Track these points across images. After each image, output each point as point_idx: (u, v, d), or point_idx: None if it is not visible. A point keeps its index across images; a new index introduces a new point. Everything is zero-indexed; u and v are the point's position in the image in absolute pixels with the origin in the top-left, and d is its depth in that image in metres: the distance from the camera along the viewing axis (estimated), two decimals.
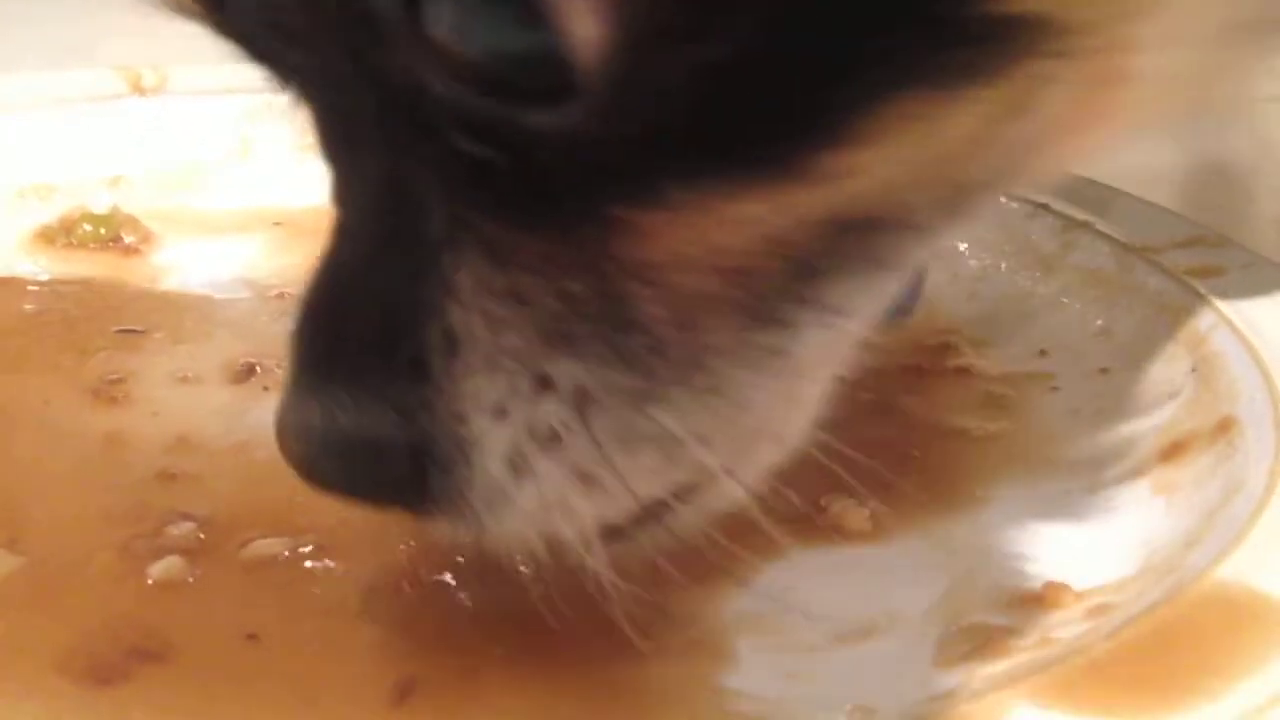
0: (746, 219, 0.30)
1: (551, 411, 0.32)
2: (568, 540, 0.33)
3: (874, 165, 0.29)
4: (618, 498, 0.33)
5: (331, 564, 0.45)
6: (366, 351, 0.33)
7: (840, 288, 0.33)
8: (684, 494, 0.35)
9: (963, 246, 0.68)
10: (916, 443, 0.54)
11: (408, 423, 0.32)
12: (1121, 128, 0.36)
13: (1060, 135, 0.33)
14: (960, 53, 0.29)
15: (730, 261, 0.31)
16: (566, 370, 0.32)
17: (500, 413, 0.32)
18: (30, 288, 0.63)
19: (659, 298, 0.31)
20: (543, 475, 0.33)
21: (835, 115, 0.29)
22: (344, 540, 0.45)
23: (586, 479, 0.33)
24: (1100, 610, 0.41)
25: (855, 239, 0.32)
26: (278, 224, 0.73)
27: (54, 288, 0.63)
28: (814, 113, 0.29)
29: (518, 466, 0.32)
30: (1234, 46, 0.34)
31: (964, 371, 0.60)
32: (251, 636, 0.41)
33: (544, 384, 0.32)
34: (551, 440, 0.32)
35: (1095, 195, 0.67)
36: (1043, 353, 0.61)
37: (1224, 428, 0.49)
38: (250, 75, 0.84)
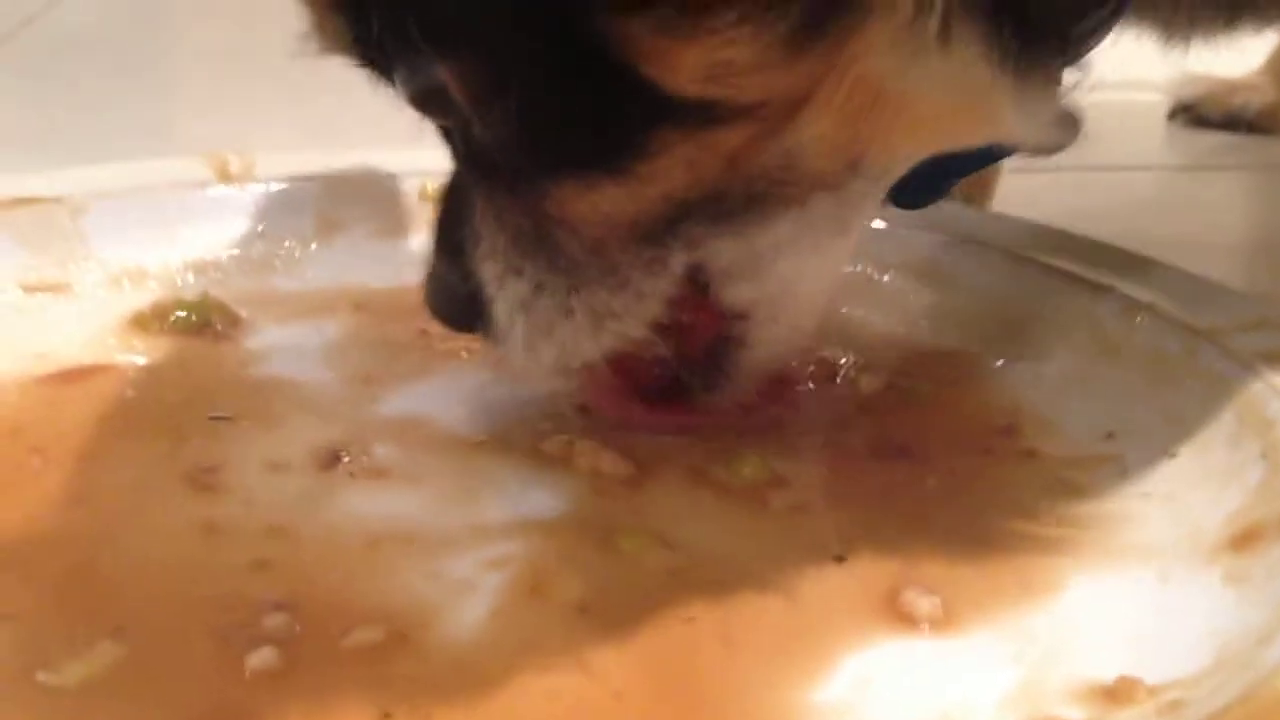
0: (613, 200, 0.48)
1: (523, 289, 0.52)
2: (546, 362, 0.54)
3: (668, 170, 0.47)
4: (565, 345, 0.53)
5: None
6: (448, 242, 0.55)
7: (697, 234, 0.50)
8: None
9: (1027, 327, 0.69)
10: (987, 528, 0.55)
11: (466, 281, 0.53)
12: (903, 143, 0.50)
13: (837, 146, 0.48)
14: (685, 110, 0.45)
15: (613, 221, 0.49)
16: (529, 268, 0.51)
17: (499, 287, 0.52)
18: (133, 374, 0.66)
19: (572, 237, 0.50)
20: (520, 325, 0.53)
21: (628, 141, 0.46)
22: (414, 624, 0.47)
23: (548, 327, 0.52)
24: (1173, 707, 0.42)
25: (692, 209, 0.49)
26: (359, 307, 0.75)
27: (152, 374, 0.66)
28: (614, 140, 0.47)
29: (513, 314, 0.53)
30: (976, 83, 0.47)
31: (1032, 454, 0.61)
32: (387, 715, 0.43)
33: (518, 272, 0.52)
34: (525, 307, 0.52)
35: (1160, 276, 0.67)
36: (1110, 435, 0.61)
37: None
38: (330, 159, 0.87)
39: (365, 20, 0.47)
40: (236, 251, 0.79)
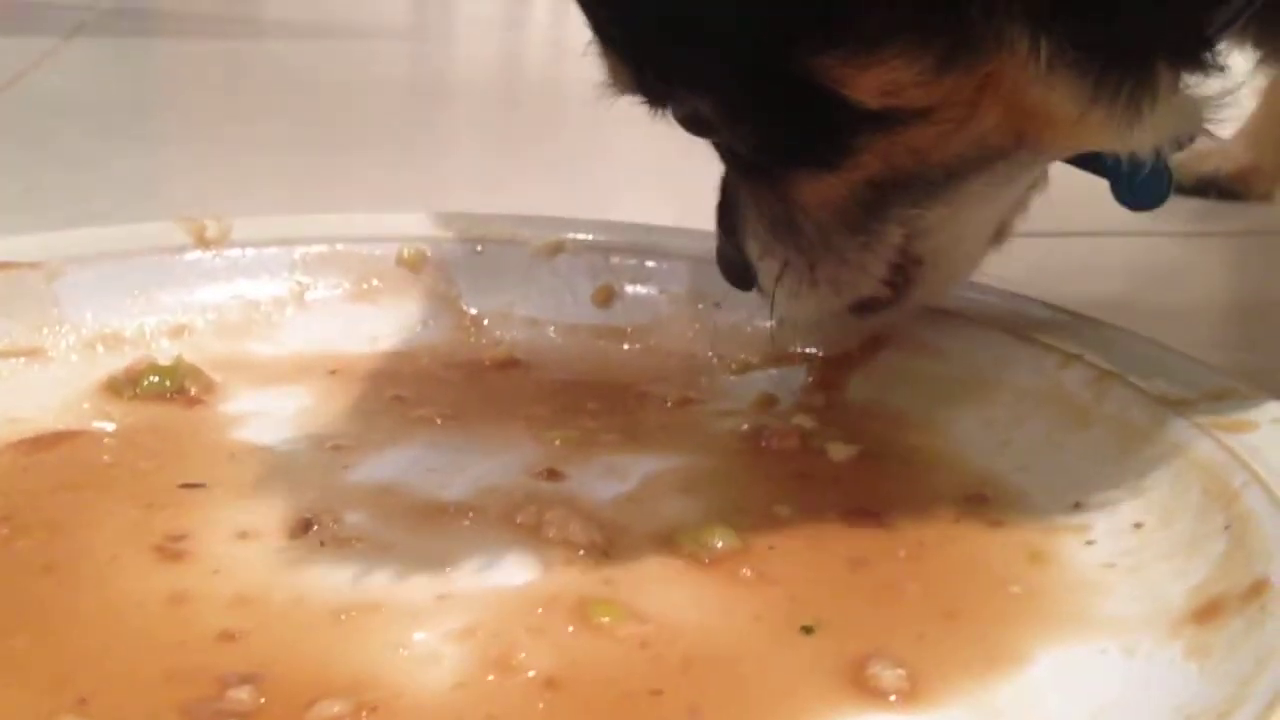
0: (832, 185, 0.62)
1: (776, 268, 0.67)
2: (799, 318, 0.71)
3: (870, 162, 0.61)
4: (814, 306, 0.68)
5: None
6: (727, 224, 0.70)
7: (898, 213, 0.64)
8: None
9: (996, 395, 0.70)
10: (954, 599, 0.55)
11: (740, 254, 0.68)
12: (1047, 142, 0.62)
13: (1001, 141, 0.61)
14: (876, 119, 0.58)
15: (834, 202, 0.63)
16: (779, 250, 0.66)
17: (760, 256, 0.67)
18: (106, 440, 0.66)
19: (808, 216, 0.64)
20: (778, 295, 0.67)
21: (839, 143, 0.60)
22: (381, 697, 0.47)
23: (797, 294, 0.67)
24: None
25: (889, 191, 0.62)
26: (333, 371, 0.76)
27: (125, 440, 0.66)
28: (829, 143, 0.60)
29: (775, 280, 0.67)
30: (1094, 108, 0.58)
31: (1000, 524, 0.61)
32: None
33: (772, 254, 0.67)
34: (779, 281, 0.67)
35: (1127, 345, 0.68)
36: (1077, 505, 0.62)
37: (1257, 591, 0.50)
38: (307, 224, 0.88)
39: (644, 70, 0.62)
40: (212, 316, 0.79)
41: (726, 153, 0.67)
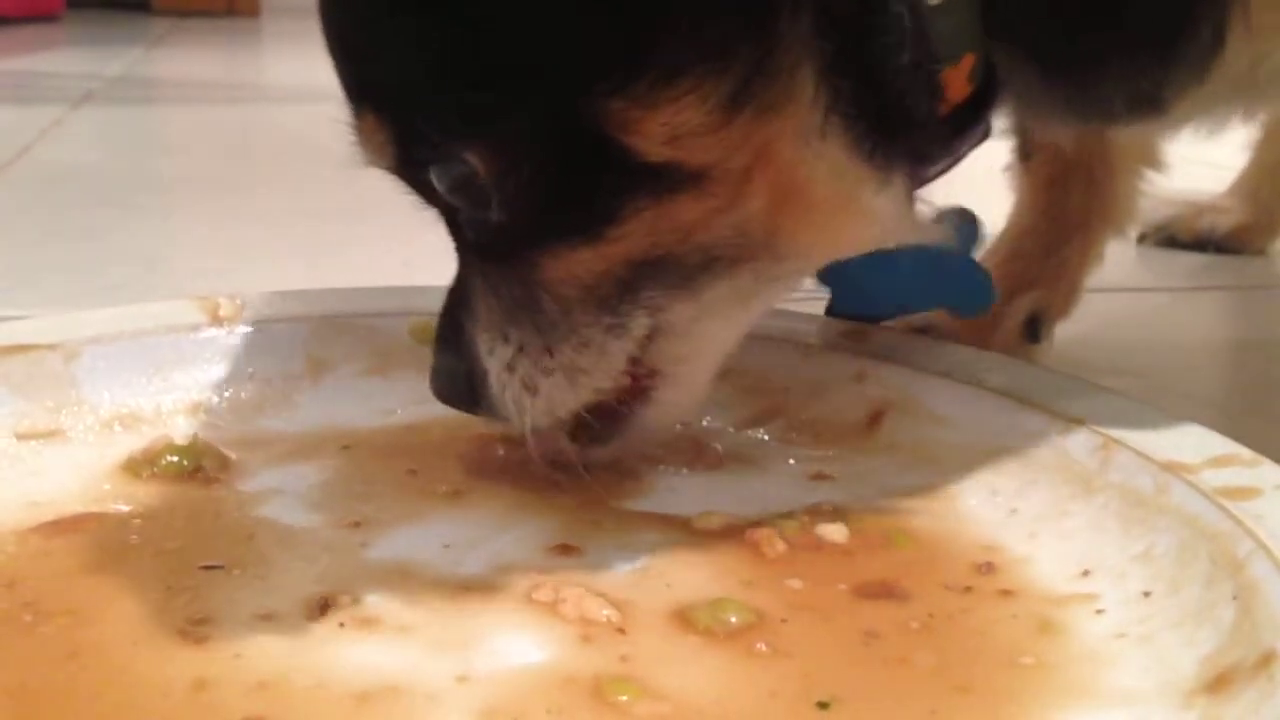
0: (586, 261, 0.60)
1: (509, 354, 0.63)
2: (534, 422, 0.64)
3: (632, 233, 0.59)
4: (549, 399, 0.64)
5: None
6: (451, 326, 0.66)
7: (648, 298, 0.62)
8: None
9: (1002, 463, 0.71)
10: (967, 672, 0.56)
11: (463, 362, 0.65)
12: (798, 237, 0.62)
13: (759, 233, 0.61)
14: (651, 181, 0.58)
15: (585, 280, 0.60)
16: (514, 333, 0.63)
17: (489, 354, 0.64)
18: (127, 522, 0.67)
19: (554, 299, 0.61)
20: (510, 385, 0.64)
21: (605, 208, 0.58)
22: None
23: (531, 388, 0.63)
24: None
25: (644, 272, 0.60)
26: (346, 447, 0.77)
27: (144, 521, 0.67)
28: (594, 207, 0.59)
29: (501, 381, 0.64)
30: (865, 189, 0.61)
31: (1010, 593, 0.62)
32: None
33: (506, 339, 0.63)
34: (511, 368, 0.63)
35: (1130, 411, 0.69)
36: (1086, 573, 0.62)
37: (1266, 661, 0.50)
38: (317, 301, 0.89)
39: (412, 124, 0.59)
40: (228, 393, 0.80)
41: (471, 231, 0.63)
